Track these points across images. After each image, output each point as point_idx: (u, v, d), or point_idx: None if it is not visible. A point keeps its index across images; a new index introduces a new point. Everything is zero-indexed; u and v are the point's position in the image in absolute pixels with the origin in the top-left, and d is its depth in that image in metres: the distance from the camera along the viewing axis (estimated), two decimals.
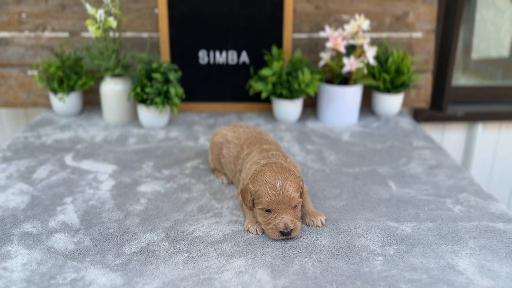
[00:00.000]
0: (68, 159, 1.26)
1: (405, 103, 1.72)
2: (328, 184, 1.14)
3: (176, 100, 1.41)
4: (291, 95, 1.49)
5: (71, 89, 1.54)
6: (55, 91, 1.52)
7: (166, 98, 1.41)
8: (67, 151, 1.31)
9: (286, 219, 0.86)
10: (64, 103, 1.53)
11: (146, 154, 1.30)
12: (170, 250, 0.87)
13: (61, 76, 1.51)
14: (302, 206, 0.96)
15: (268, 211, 0.88)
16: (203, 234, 0.92)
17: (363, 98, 1.70)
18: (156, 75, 1.37)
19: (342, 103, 1.52)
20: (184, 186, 1.12)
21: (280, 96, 1.51)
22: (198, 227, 0.95)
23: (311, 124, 1.56)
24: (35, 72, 1.62)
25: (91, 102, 1.70)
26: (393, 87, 1.58)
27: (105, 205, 1.03)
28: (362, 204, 1.04)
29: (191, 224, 0.96)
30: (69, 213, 0.99)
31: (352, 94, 1.52)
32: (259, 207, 0.88)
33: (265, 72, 1.48)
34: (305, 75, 1.45)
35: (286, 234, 0.87)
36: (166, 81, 1.40)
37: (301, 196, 0.91)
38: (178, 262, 0.83)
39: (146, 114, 1.45)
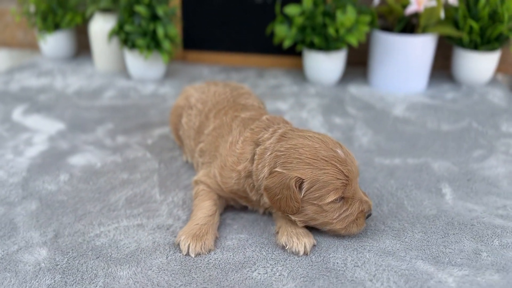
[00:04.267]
0: (17, 112, 0.98)
1: (500, 66, 1.20)
2: None
3: (166, 44, 1.06)
4: (326, 45, 1.07)
5: (56, 26, 1.25)
6: (38, 29, 1.25)
7: (153, 41, 1.06)
8: (24, 102, 1.04)
9: (363, 196, 0.58)
10: (46, 43, 1.26)
11: (114, 112, 0.98)
12: (45, 263, 0.55)
13: (45, 11, 1.23)
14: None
15: (341, 198, 0.56)
16: (107, 244, 0.58)
17: (437, 56, 1.21)
18: (139, 8, 1.02)
19: (404, 60, 1.06)
20: (131, 162, 0.79)
21: (312, 46, 1.09)
22: (108, 231, 0.61)
23: (354, 89, 1.12)
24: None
25: (89, 46, 1.41)
26: (484, 41, 1.07)
27: (10, 179, 0.73)
28: (384, 222, 0.62)
29: (100, 224, 0.62)
30: None
31: (420, 47, 1.05)
32: (328, 200, 0.55)
33: (291, 10, 1.06)
34: (347, 15, 1.00)
35: (369, 216, 0.59)
36: (154, 17, 1.05)
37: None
38: None
39: (133, 61, 1.12)
